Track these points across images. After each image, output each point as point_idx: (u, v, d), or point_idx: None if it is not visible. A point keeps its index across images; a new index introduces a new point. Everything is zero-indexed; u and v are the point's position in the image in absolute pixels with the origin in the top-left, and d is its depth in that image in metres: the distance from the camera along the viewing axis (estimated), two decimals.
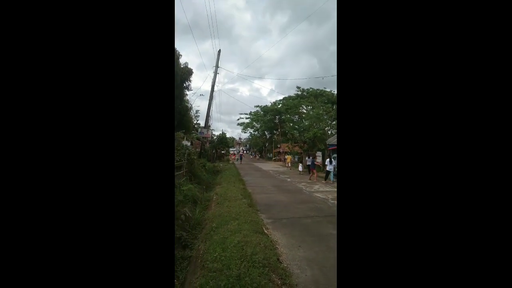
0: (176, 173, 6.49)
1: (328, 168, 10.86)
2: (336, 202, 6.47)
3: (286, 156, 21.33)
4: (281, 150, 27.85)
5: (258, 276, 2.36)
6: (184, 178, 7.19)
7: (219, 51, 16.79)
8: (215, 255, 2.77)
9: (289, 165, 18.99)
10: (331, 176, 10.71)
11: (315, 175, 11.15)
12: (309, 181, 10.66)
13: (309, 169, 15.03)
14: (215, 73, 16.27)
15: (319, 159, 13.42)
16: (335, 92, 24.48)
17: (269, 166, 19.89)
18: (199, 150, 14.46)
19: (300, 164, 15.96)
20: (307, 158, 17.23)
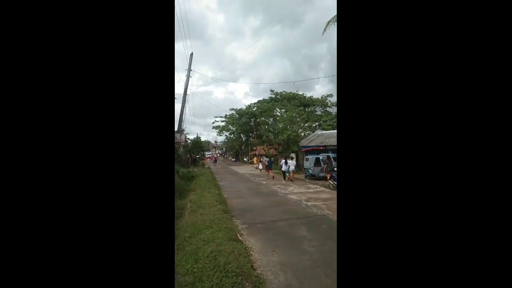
0: None
1: (283, 168, 11.69)
2: (309, 203, 6.67)
3: (254, 158, 22.07)
4: (257, 153, 27.99)
5: (231, 286, 2.35)
6: None
7: (191, 54, 16.49)
8: (187, 267, 2.70)
9: (256, 166, 20.11)
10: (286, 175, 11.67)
11: (270, 173, 12.41)
12: (283, 182, 10.87)
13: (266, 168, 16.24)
14: (188, 76, 15.93)
15: (293, 161, 13.94)
16: (307, 95, 25.41)
17: (245, 169, 19.85)
18: None
19: (260, 163, 18.16)
20: (265, 158, 19.30)
